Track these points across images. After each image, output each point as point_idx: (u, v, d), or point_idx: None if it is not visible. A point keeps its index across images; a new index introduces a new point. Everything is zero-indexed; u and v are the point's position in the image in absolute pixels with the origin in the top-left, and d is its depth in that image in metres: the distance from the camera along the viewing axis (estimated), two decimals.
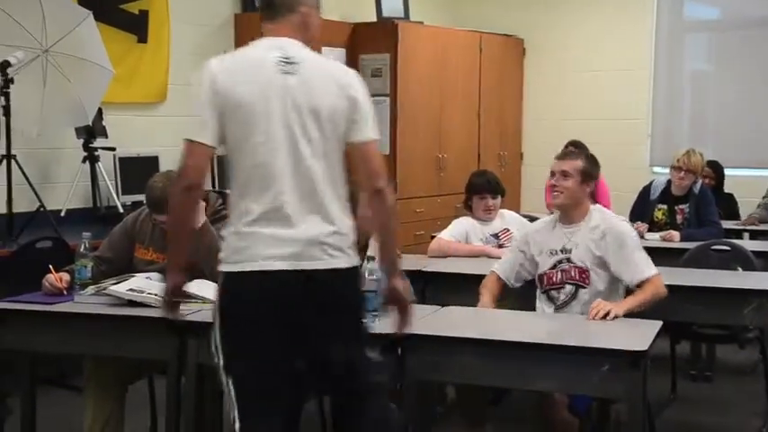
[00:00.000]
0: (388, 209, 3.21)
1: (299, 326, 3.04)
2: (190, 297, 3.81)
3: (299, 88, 3.06)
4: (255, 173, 3.05)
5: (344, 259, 3.12)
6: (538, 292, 4.23)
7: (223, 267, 3.09)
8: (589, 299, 4.01)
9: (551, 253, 4.16)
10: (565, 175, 4.12)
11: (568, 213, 4.18)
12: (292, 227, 3.04)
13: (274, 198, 3.03)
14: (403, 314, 3.25)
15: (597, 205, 4.31)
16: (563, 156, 4.25)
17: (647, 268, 4.02)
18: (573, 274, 4.09)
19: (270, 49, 3.12)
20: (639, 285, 4.01)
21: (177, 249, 3.23)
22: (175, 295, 3.25)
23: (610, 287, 4.08)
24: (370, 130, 3.19)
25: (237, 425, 3.04)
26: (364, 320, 3.30)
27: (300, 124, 3.06)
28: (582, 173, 4.12)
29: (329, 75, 3.18)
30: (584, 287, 4.07)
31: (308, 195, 3.07)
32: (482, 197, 5.36)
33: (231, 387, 3.03)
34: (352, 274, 3.19)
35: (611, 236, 4.06)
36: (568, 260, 4.11)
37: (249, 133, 3.04)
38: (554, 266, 4.13)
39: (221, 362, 3.05)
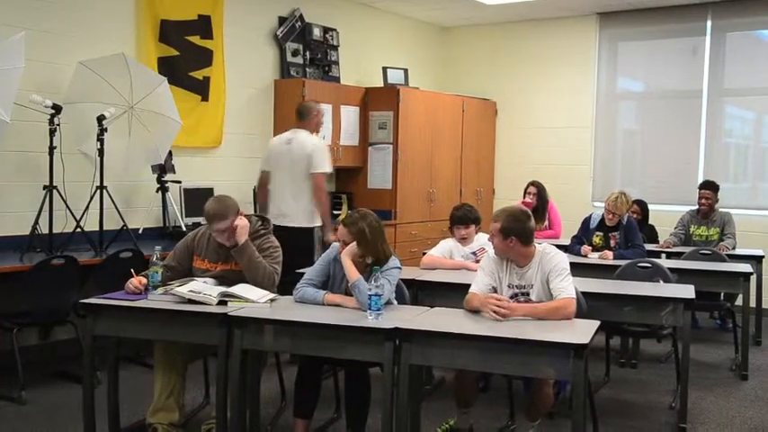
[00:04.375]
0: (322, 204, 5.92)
1: None
2: (236, 297, 3.84)
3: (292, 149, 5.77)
4: None
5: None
6: None
7: None
8: None
9: (509, 286, 3.90)
10: (491, 234, 3.87)
11: (513, 260, 3.90)
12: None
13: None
14: None
15: (543, 245, 3.95)
16: (492, 219, 3.89)
17: (564, 292, 3.72)
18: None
19: (289, 133, 5.97)
20: None
21: None
22: None
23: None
24: (316, 167, 5.89)
25: None
26: None
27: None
28: (500, 231, 3.80)
29: (302, 144, 5.88)
30: None
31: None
32: (457, 227, 5.33)
33: None
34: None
35: (550, 268, 3.81)
36: (527, 294, 3.86)
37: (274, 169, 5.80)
38: (512, 296, 3.87)
39: None
